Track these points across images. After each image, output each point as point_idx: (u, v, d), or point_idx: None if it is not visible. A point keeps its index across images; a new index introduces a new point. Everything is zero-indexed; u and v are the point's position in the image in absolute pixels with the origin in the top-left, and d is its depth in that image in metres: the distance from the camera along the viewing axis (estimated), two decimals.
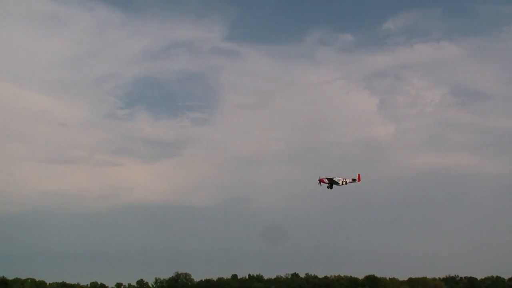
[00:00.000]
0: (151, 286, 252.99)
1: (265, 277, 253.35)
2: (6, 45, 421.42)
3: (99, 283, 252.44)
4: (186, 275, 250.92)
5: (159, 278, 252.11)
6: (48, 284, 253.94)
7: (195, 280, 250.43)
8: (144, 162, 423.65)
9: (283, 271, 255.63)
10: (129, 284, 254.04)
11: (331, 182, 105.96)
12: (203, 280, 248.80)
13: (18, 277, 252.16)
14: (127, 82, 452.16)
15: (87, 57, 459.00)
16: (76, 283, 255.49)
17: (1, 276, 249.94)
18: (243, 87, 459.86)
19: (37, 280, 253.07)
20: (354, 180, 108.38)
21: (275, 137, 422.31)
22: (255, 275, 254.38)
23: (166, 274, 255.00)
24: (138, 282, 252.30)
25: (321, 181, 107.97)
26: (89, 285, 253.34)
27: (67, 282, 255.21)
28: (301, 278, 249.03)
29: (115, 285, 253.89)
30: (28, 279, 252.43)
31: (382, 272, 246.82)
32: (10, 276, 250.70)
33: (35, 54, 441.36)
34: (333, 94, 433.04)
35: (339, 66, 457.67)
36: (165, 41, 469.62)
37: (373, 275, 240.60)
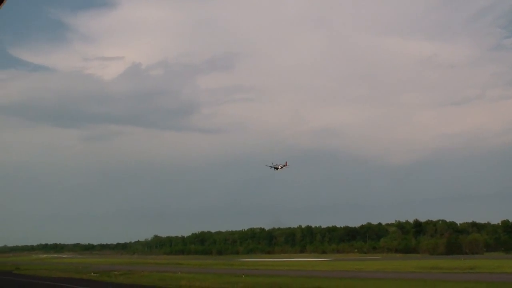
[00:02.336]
0: None
1: None
2: None
3: (510, 221, 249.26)
4: None
5: None
6: (459, 224, 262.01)
7: None
8: None
9: None
10: None
11: (274, 167, 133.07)
12: None
13: (430, 219, 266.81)
14: (507, 9, 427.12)
15: None
16: (486, 222, 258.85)
17: (415, 219, 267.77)
18: None
19: (447, 221, 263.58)
20: (283, 166, 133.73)
21: None
22: None
23: None
24: None
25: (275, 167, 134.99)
26: (500, 224, 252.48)
27: (477, 221, 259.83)
28: None
29: None
30: (440, 220, 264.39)
31: None
32: (422, 219, 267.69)
33: (403, 5, 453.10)
34: None
35: None
36: None
37: None
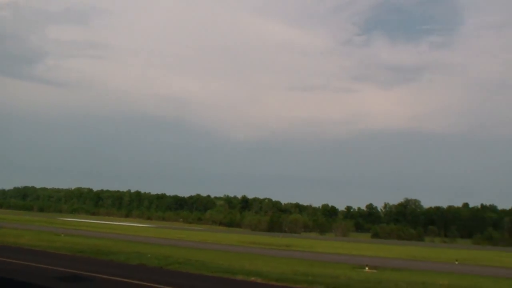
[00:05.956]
0: (380, 210, 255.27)
1: (499, 208, 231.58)
2: None
3: (329, 205, 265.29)
4: (415, 202, 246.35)
5: (388, 204, 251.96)
6: (283, 204, 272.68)
7: (424, 207, 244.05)
8: (382, 88, 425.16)
9: None
10: (359, 208, 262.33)
11: None
12: (433, 207, 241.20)
13: (257, 196, 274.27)
14: (365, 8, 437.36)
15: None
16: (308, 204, 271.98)
17: (243, 195, 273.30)
18: (488, 5, 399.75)
19: (273, 200, 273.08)
20: None
21: None
22: (488, 205, 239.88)
23: (395, 200, 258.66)
24: (367, 207, 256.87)
25: None
26: (320, 207, 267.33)
27: (300, 203, 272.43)
28: None
29: (345, 208, 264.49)
30: (266, 199, 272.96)
31: None
32: (250, 196, 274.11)
33: None
34: None
35: None
36: None
37: None
